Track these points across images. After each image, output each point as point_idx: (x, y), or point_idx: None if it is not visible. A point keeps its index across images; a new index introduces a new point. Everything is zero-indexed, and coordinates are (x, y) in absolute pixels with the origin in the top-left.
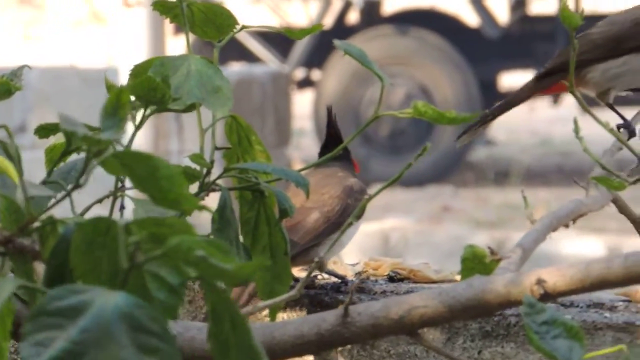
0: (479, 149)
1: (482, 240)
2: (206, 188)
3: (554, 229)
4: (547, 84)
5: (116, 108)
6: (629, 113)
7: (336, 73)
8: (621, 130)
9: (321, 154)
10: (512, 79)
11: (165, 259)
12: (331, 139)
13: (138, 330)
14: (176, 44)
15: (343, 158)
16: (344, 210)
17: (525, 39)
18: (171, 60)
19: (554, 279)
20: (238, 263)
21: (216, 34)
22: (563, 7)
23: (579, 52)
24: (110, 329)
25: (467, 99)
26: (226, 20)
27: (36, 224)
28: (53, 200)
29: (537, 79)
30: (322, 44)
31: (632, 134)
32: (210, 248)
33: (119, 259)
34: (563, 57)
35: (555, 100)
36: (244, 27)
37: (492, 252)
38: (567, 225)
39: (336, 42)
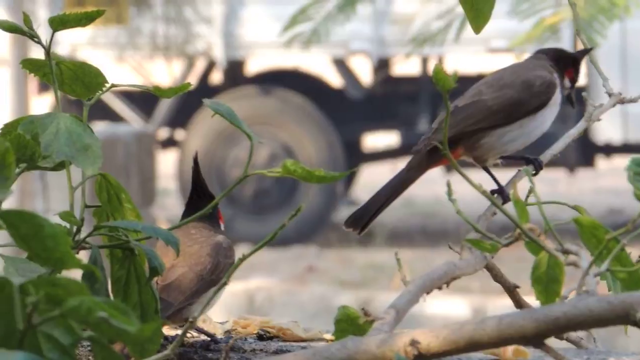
0: (342, 210)
1: (346, 300)
2: (76, 246)
3: (428, 291)
4: (438, 157)
5: (1, 168)
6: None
7: (200, 133)
8: (495, 195)
9: (189, 203)
10: (376, 140)
11: (60, 320)
12: (197, 187)
13: None
14: (40, 103)
15: (209, 214)
16: (215, 268)
17: (389, 100)
18: (40, 118)
19: (428, 339)
20: (139, 324)
21: (85, 93)
22: (437, 70)
23: (475, 120)
24: None
25: (331, 160)
26: (95, 78)
27: None
28: None
29: (429, 153)
30: (186, 104)
31: (505, 199)
32: (111, 309)
33: (14, 319)
34: (455, 129)
35: None
36: (113, 85)
37: (366, 313)
38: (440, 288)
39: (205, 101)
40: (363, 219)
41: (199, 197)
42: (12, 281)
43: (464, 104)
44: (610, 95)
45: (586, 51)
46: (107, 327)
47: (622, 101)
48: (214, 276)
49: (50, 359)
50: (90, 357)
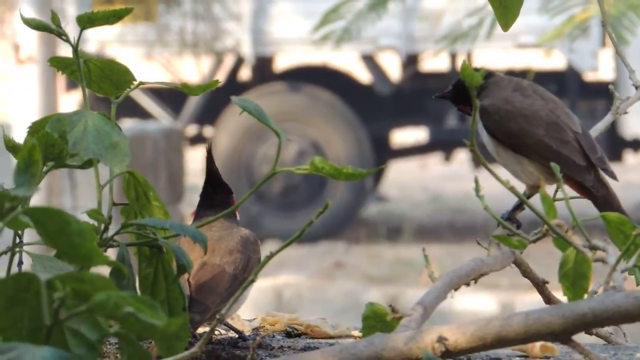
0: (371, 206)
1: (374, 296)
2: (104, 244)
3: (455, 288)
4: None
5: (29, 165)
6: None
7: (229, 129)
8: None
9: (203, 194)
10: (404, 136)
11: (86, 315)
12: (212, 178)
13: None
14: (69, 101)
15: (224, 204)
16: (247, 264)
17: (417, 95)
18: (68, 116)
19: (455, 336)
20: (166, 319)
21: (113, 90)
22: (464, 66)
23: None
24: None
25: (359, 156)
26: (123, 76)
27: None
28: None
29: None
30: (214, 101)
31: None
32: (138, 304)
33: (41, 315)
34: None
35: (447, 157)
36: (141, 83)
37: (394, 310)
38: (467, 284)
39: (234, 98)
40: None
41: (213, 188)
42: (39, 277)
43: None
44: (637, 87)
45: None
46: (134, 322)
47: None
48: (247, 273)
49: (77, 354)
50: (117, 355)
